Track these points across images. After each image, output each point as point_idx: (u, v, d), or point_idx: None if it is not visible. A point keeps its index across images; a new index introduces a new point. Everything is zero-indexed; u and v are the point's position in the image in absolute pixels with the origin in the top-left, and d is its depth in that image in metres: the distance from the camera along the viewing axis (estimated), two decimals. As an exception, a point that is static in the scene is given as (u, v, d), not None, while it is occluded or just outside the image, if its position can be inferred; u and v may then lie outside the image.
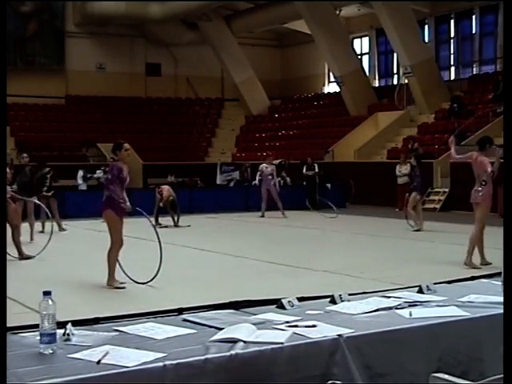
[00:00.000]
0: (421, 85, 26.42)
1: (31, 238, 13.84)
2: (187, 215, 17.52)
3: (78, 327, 3.75)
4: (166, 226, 16.05)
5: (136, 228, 14.16)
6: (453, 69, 29.00)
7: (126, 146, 9.00)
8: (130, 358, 3.25)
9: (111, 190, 8.75)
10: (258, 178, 20.14)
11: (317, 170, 22.90)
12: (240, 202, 21.62)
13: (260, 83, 33.60)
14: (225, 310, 4.38)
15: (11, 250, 11.18)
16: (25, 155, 15.98)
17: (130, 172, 9.12)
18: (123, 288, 8.73)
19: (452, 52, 29.05)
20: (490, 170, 10.23)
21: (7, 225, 11.30)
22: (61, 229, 15.57)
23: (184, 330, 3.79)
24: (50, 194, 15.76)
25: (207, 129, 34.40)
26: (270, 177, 19.72)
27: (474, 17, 27.91)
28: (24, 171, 14.58)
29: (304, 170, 22.99)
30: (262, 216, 19.44)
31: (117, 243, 8.89)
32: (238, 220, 18.99)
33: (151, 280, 8.73)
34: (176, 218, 16.81)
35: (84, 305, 7.60)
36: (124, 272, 9.01)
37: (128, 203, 8.99)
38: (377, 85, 31.89)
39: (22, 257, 11.39)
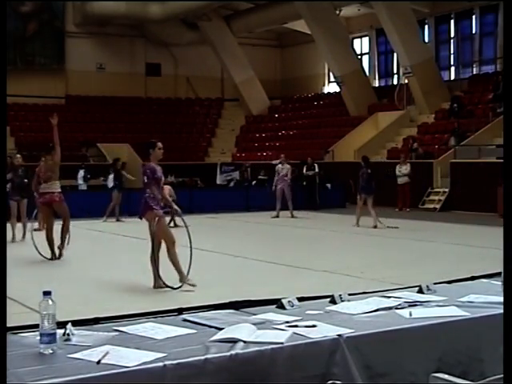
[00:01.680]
0: (421, 85, 26.42)
1: (23, 236, 14.15)
2: (187, 215, 17.46)
3: (77, 327, 3.75)
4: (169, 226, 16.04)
5: (134, 228, 14.17)
6: (453, 69, 29.00)
7: (160, 144, 8.84)
8: (130, 358, 3.25)
9: (149, 193, 8.57)
10: (275, 179, 20.07)
11: (317, 170, 22.90)
12: (240, 202, 21.62)
13: (260, 83, 33.61)
14: (225, 310, 4.38)
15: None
16: (18, 156, 15.92)
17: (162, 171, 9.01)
18: (194, 288, 8.52)
19: (452, 52, 29.06)
20: None
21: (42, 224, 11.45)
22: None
23: (184, 329, 3.79)
24: None
25: (207, 129, 34.40)
26: (285, 177, 19.76)
27: (474, 17, 27.91)
28: (17, 172, 14.65)
29: (304, 170, 22.99)
30: (277, 216, 19.38)
31: (170, 241, 8.61)
32: (238, 220, 18.99)
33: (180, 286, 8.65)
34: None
35: (84, 305, 7.59)
36: (159, 276, 8.76)
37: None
38: (377, 85, 31.90)
39: (56, 257, 11.55)
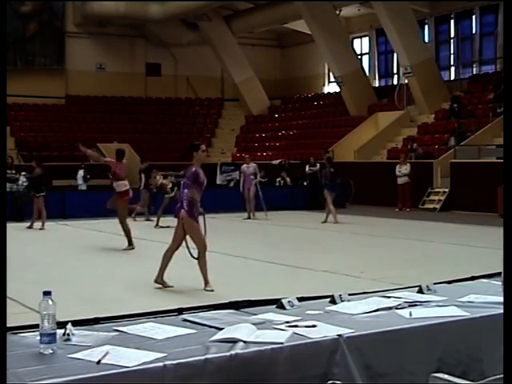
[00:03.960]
0: (421, 85, 26.42)
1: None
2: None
3: (77, 327, 3.74)
4: (168, 227, 16.02)
5: (135, 228, 14.19)
6: (453, 69, 29.01)
7: (203, 147, 8.79)
8: (130, 358, 3.24)
9: (190, 198, 8.42)
10: (241, 180, 20.14)
11: (317, 168, 22.88)
12: (240, 202, 21.60)
13: (260, 83, 33.61)
14: (225, 309, 4.38)
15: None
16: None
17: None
18: (212, 290, 8.49)
19: (452, 52, 29.07)
20: None
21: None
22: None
23: (184, 329, 3.79)
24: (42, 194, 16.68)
25: (207, 129, 34.42)
26: (251, 177, 19.70)
27: (473, 17, 27.92)
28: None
29: (307, 169, 22.97)
30: (249, 218, 19.35)
31: (202, 247, 8.58)
32: (238, 220, 18.99)
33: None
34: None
35: (84, 305, 7.59)
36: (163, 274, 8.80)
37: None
38: (377, 85, 31.90)
39: (133, 247, 12.64)
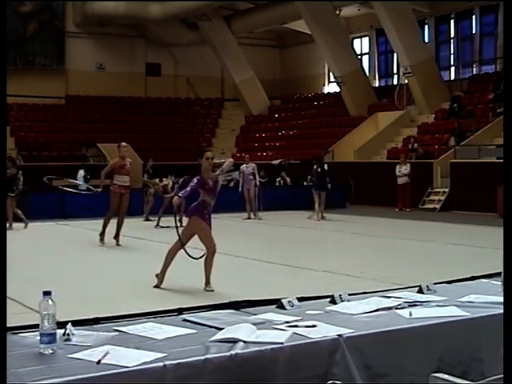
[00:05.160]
0: (421, 85, 26.41)
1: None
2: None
3: (77, 327, 3.75)
4: (168, 227, 16.05)
5: (135, 228, 14.20)
6: (453, 69, 29.01)
7: (208, 154, 8.91)
8: (130, 358, 3.25)
9: (202, 201, 8.55)
10: (240, 180, 20.13)
11: (326, 168, 22.83)
12: (240, 202, 21.60)
13: (260, 83, 33.60)
14: (225, 310, 4.39)
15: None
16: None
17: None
18: (212, 291, 8.50)
19: (452, 52, 29.06)
20: None
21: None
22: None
23: (184, 330, 3.79)
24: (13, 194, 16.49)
25: (207, 129, 34.40)
26: (250, 177, 19.67)
27: (473, 17, 27.92)
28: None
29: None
30: (249, 218, 19.35)
31: (211, 249, 8.60)
32: (238, 220, 18.99)
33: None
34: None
35: (84, 305, 7.59)
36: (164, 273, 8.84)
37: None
38: (377, 85, 31.89)
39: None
